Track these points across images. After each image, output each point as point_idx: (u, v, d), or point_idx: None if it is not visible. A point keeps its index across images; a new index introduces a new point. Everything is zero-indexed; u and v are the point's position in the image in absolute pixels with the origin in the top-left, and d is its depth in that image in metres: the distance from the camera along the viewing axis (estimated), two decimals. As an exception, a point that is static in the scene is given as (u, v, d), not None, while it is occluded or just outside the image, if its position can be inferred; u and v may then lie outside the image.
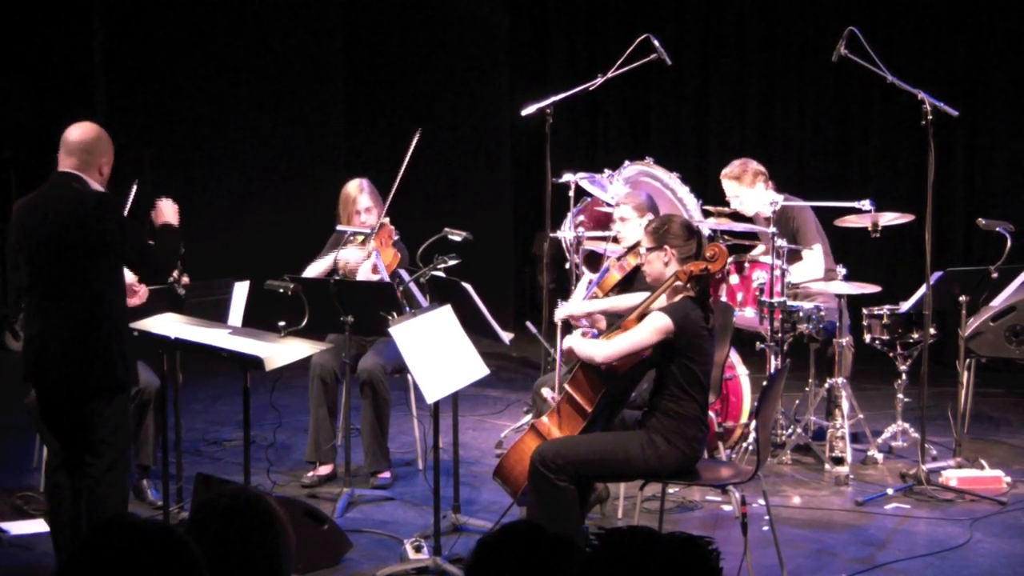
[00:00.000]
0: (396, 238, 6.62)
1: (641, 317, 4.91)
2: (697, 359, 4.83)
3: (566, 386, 5.11)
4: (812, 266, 6.91)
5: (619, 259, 6.36)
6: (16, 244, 4.81)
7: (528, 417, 6.85)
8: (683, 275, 4.87)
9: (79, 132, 4.81)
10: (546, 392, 5.65)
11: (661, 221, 5.14)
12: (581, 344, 5.04)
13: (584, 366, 5.02)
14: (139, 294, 5.52)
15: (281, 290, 5.71)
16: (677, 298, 4.91)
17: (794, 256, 6.90)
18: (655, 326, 4.80)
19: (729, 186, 7.09)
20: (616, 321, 5.26)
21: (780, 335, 6.63)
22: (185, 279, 5.75)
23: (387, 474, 6.42)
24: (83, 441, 4.77)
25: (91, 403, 4.73)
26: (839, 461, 6.53)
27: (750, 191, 7.02)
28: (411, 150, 6.39)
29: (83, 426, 4.75)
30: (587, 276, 6.76)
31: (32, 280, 4.77)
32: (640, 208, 6.29)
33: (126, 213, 5.45)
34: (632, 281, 6.16)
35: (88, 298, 4.70)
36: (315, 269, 6.60)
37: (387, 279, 6.32)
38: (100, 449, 4.75)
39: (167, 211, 5.08)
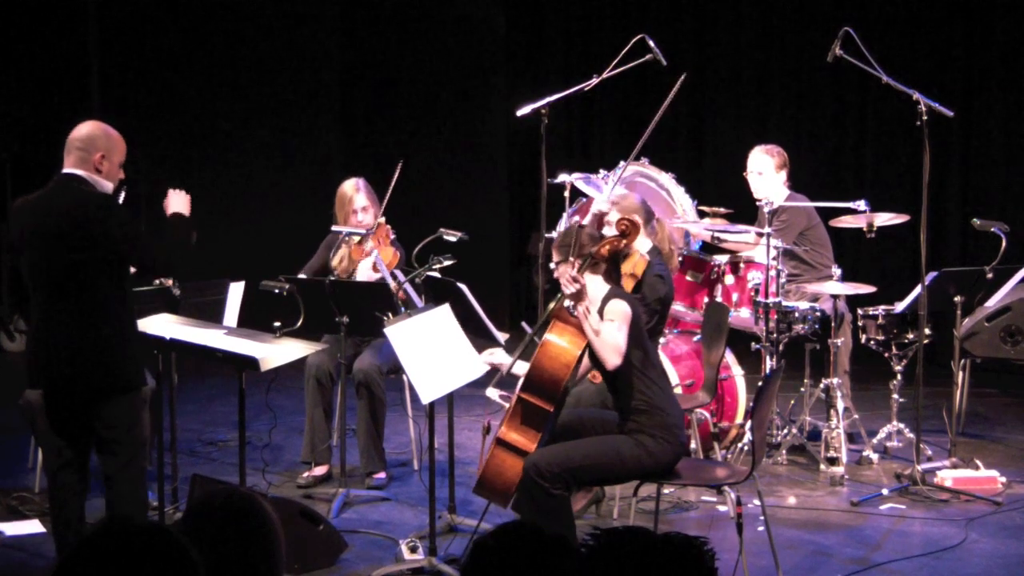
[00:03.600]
0: (393, 237, 6.61)
1: (561, 314, 4.86)
2: (642, 336, 4.86)
3: (520, 394, 4.90)
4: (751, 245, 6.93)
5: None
6: (18, 244, 4.72)
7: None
8: (600, 255, 4.86)
9: (76, 130, 4.75)
10: (491, 392, 5.55)
11: (563, 236, 5.08)
12: (606, 339, 4.77)
13: (536, 368, 4.86)
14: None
15: (276, 290, 5.71)
16: (606, 285, 4.88)
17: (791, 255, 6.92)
18: (624, 313, 4.75)
19: (757, 159, 7.17)
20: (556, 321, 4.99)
21: (775, 335, 6.63)
22: (176, 292, 5.71)
23: (382, 475, 6.42)
24: (94, 441, 4.72)
25: (97, 403, 4.65)
26: (834, 461, 6.53)
27: (774, 175, 7.12)
28: (394, 181, 6.44)
29: (91, 427, 4.69)
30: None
31: (35, 281, 4.70)
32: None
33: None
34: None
35: (91, 299, 4.61)
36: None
37: (388, 277, 6.29)
38: (113, 448, 4.68)
39: (177, 201, 4.95)
